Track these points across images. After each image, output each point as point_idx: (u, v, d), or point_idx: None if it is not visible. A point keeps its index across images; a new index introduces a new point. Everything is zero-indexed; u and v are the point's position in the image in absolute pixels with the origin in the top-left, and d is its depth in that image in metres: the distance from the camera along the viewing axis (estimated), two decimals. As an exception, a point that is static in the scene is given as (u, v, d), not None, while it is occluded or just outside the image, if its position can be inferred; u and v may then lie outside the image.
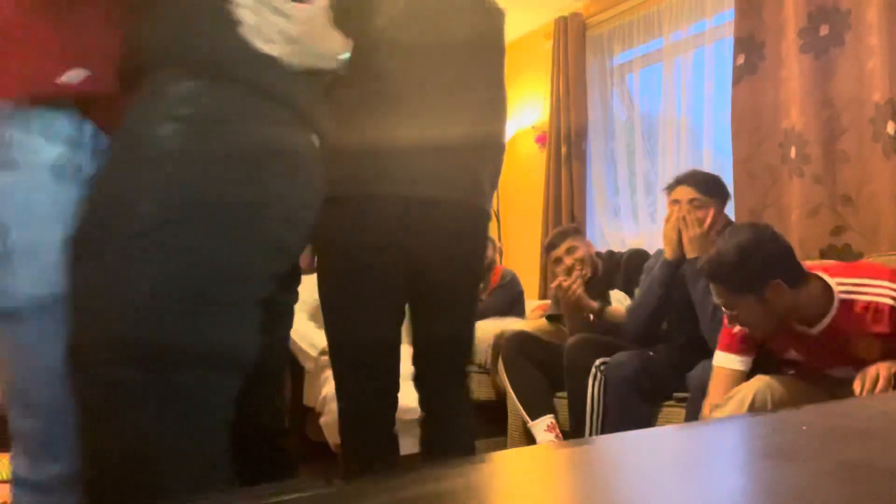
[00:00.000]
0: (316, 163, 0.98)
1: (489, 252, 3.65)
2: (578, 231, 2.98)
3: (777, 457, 0.55)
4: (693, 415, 2.02)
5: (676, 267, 2.26)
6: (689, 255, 2.22)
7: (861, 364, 1.75)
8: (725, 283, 1.75)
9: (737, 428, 0.79)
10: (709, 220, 2.23)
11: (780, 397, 1.76)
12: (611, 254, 3.01)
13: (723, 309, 1.83)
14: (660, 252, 2.46)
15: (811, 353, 1.84)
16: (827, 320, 1.76)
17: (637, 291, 2.51)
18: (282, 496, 0.47)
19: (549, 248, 2.89)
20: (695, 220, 2.22)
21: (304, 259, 2.30)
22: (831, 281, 1.76)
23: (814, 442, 0.60)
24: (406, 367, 2.94)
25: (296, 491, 0.49)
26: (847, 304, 1.74)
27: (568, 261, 2.77)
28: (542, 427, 2.57)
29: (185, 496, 0.80)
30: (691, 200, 2.27)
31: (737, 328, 1.89)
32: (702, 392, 1.92)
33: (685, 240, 2.23)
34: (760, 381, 1.80)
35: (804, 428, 0.66)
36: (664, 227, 2.31)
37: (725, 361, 1.91)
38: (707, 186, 2.29)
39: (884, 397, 1.50)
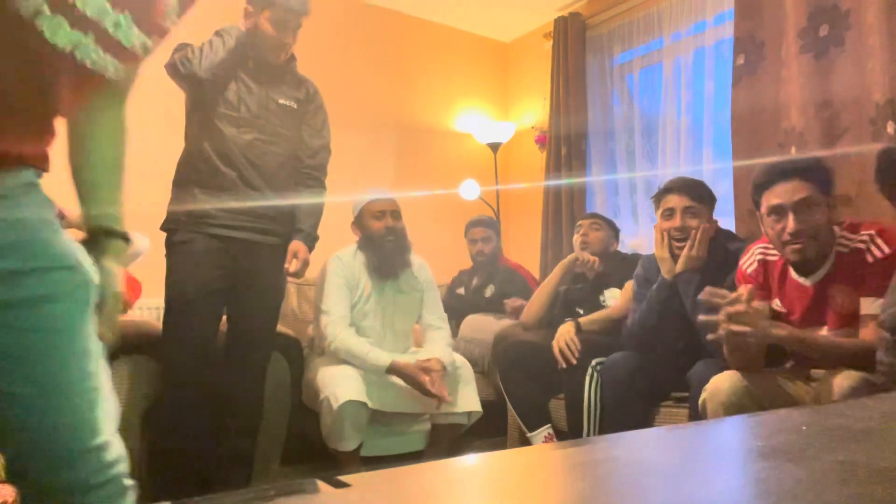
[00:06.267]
0: None
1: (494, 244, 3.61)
2: (606, 220, 3.09)
3: (777, 457, 0.55)
4: (695, 412, 2.02)
5: (674, 284, 2.27)
6: (681, 268, 2.25)
7: (839, 326, 1.81)
8: (814, 178, 1.83)
9: (736, 428, 0.79)
10: (705, 235, 2.26)
11: None
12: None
13: (788, 219, 1.83)
14: (647, 259, 2.47)
15: (797, 306, 1.91)
16: (822, 272, 1.84)
17: (632, 303, 2.51)
18: (282, 496, 0.47)
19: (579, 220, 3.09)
20: (701, 240, 2.24)
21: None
22: (838, 232, 1.85)
23: (814, 442, 0.60)
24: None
25: (297, 491, 0.49)
26: (840, 257, 1.83)
27: (590, 234, 2.94)
28: (540, 439, 2.63)
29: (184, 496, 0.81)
30: (686, 208, 2.28)
31: (751, 268, 2.01)
32: (701, 390, 1.92)
33: (684, 256, 2.25)
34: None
35: (804, 428, 0.66)
36: (656, 248, 2.33)
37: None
38: (699, 193, 2.31)
39: (884, 397, 1.50)
